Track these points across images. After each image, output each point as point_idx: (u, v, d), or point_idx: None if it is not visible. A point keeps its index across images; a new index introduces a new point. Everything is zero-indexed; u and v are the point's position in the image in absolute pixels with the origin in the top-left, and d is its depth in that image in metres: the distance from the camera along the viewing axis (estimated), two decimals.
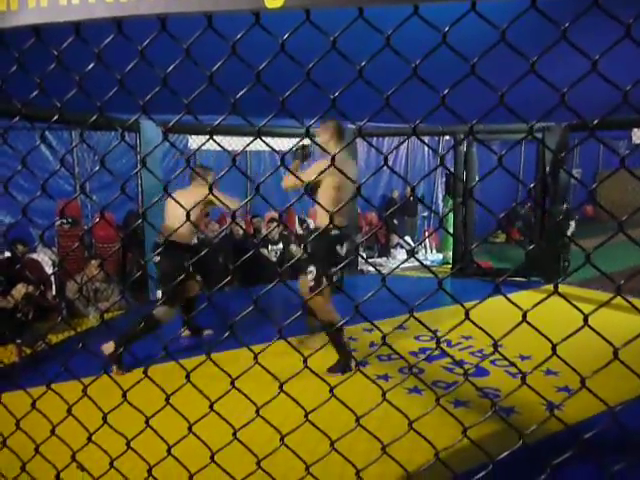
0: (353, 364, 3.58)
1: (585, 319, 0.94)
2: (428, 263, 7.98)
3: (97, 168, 1.20)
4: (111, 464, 1.35)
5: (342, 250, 3.62)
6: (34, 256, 6.09)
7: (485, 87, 0.97)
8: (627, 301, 1.02)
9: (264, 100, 1.12)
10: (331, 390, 1.10)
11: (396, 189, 10.13)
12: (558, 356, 0.96)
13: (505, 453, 1.03)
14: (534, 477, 1.12)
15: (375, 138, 8.02)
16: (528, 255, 6.24)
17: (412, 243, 8.95)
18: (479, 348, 4.18)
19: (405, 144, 10.71)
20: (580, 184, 7.50)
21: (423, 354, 4.02)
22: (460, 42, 1.08)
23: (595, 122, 0.94)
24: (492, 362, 3.86)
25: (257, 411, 1.15)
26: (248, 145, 1.17)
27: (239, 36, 1.07)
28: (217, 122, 1.12)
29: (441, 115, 1.33)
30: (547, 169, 6.30)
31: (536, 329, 0.97)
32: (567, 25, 0.95)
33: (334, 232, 3.57)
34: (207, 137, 1.21)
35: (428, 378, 3.55)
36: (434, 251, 9.11)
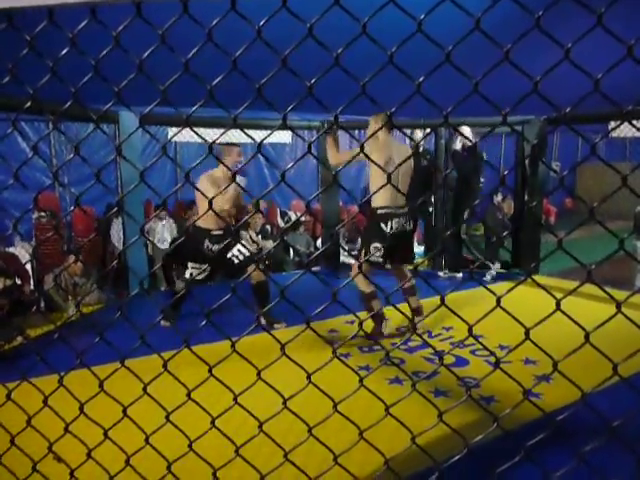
0: (384, 329, 4.06)
1: (557, 304, 0.95)
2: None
3: (71, 156, 1.18)
4: (88, 454, 1.34)
5: (387, 228, 3.96)
6: (12, 250, 6.00)
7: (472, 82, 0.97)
8: (599, 287, 1.04)
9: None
10: (308, 377, 1.11)
11: None
12: (531, 340, 0.98)
13: (479, 437, 1.05)
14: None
15: (357, 130, 8.03)
16: (490, 246, 6.38)
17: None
18: (459, 339, 4.23)
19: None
20: (552, 172, 7.55)
21: (405, 345, 4.06)
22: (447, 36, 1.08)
23: (567, 110, 0.96)
24: (472, 352, 3.91)
25: (235, 399, 1.15)
26: (222, 134, 1.16)
27: (215, 22, 1.06)
28: (192, 110, 1.11)
29: (424, 108, 1.33)
30: (526, 162, 6.38)
31: (509, 314, 0.98)
32: (541, 14, 0.96)
33: (379, 211, 3.99)
34: (194, 130, 1.20)
35: (409, 368, 3.58)
36: (417, 243, 9.15)
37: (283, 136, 9.57)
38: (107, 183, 1.30)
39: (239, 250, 4.36)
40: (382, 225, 3.96)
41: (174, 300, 4.62)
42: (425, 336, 4.29)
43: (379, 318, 4.10)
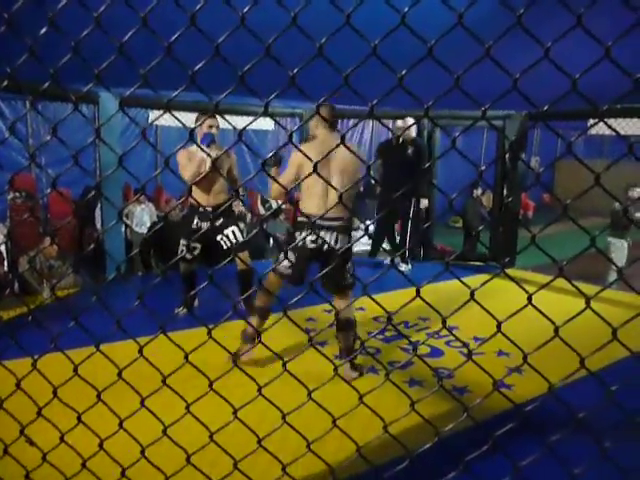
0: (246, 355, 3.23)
1: (529, 298, 0.98)
2: (388, 246, 8.06)
3: (48, 137, 1.16)
4: (61, 438, 1.33)
5: (300, 239, 3.25)
6: None
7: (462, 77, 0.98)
8: (569, 282, 1.07)
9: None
10: (284, 365, 1.12)
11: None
12: (503, 333, 1.00)
13: (450, 425, 1.07)
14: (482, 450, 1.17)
15: (340, 120, 8.00)
16: (470, 240, 6.45)
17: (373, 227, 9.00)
18: (435, 329, 4.28)
19: (370, 127, 10.76)
20: (528, 168, 7.64)
21: (382, 335, 4.09)
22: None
23: (545, 108, 0.97)
24: (447, 343, 3.96)
25: (210, 385, 1.16)
26: (204, 120, 1.15)
27: (198, 7, 1.05)
28: (174, 95, 1.10)
29: (407, 100, 1.34)
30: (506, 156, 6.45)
31: (482, 306, 1.00)
32: (522, 11, 0.97)
33: (299, 218, 3.44)
34: (174, 115, 1.19)
35: (385, 358, 3.62)
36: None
37: (266, 123, 9.51)
38: (85, 165, 1.28)
39: (233, 233, 4.17)
40: (297, 235, 3.31)
41: (184, 285, 4.23)
42: (401, 326, 4.33)
43: (251, 339, 3.41)
